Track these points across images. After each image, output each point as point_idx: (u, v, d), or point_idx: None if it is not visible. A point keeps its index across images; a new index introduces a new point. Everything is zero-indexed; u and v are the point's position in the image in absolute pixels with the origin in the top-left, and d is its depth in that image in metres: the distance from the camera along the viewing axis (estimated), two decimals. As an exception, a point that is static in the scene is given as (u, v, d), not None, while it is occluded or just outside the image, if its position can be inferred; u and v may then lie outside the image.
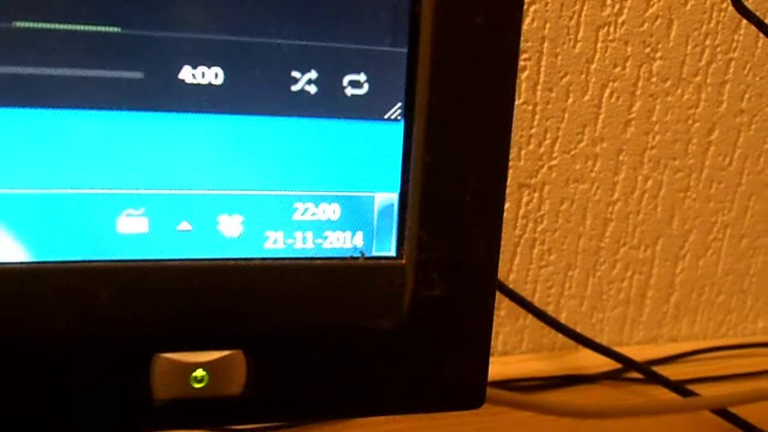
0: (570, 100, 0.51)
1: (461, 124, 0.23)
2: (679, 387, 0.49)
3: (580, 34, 0.49)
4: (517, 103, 0.49)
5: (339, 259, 0.24)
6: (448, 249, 0.24)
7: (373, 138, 0.23)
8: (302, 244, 0.24)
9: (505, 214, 0.50)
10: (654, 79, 0.52)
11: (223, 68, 0.22)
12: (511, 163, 0.49)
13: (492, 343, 0.53)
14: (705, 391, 0.50)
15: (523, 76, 0.49)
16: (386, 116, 0.23)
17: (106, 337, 0.23)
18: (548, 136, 0.51)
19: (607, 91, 0.51)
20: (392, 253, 0.24)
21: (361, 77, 0.23)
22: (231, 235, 0.23)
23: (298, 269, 0.23)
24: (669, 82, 0.52)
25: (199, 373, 0.23)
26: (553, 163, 0.52)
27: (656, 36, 0.51)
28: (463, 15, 0.23)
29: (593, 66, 0.50)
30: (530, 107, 0.50)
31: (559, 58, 0.49)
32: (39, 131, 0.21)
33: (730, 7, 0.51)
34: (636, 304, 0.58)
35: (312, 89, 0.23)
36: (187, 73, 0.22)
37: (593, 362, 0.53)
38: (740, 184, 0.57)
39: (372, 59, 0.23)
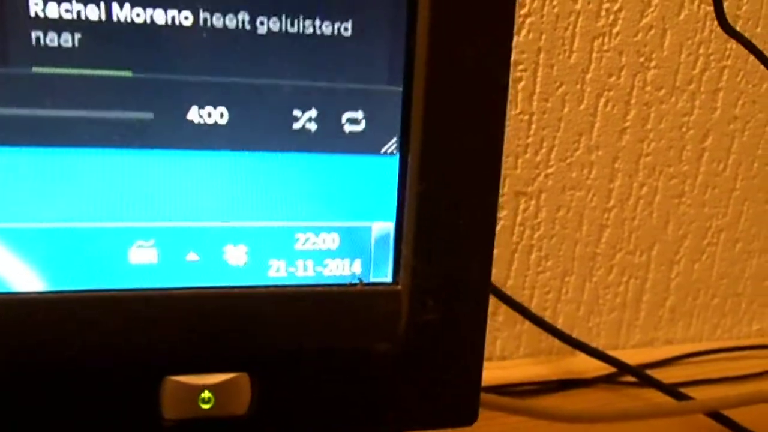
0: (566, 110, 0.52)
1: (453, 157, 0.25)
2: (673, 390, 0.51)
3: (575, 45, 0.51)
4: (513, 113, 0.51)
5: (338, 286, 0.26)
6: (441, 275, 0.26)
7: (370, 171, 0.25)
8: (304, 272, 0.25)
9: (502, 222, 0.52)
10: (648, 88, 0.53)
11: (228, 108, 0.23)
12: (508, 172, 0.51)
13: (490, 348, 0.55)
14: (700, 393, 0.51)
15: (519, 86, 0.51)
16: (382, 150, 0.25)
17: (120, 360, 0.24)
18: (545, 144, 0.52)
19: (603, 100, 0.53)
20: (389, 279, 0.26)
21: (359, 115, 0.24)
22: (236, 264, 0.25)
23: (299, 296, 0.25)
24: (663, 91, 0.54)
25: (206, 394, 0.25)
26: (550, 171, 0.53)
27: (650, 45, 0.52)
28: (455, 55, 0.24)
29: (588, 76, 0.52)
30: (527, 117, 0.51)
31: (555, 68, 0.51)
32: (56, 169, 0.23)
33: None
34: (632, 309, 0.59)
35: (312, 126, 0.24)
36: (194, 114, 0.23)
37: (589, 366, 0.54)
38: (734, 189, 0.58)
39: (369, 98, 0.24)
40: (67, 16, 0.22)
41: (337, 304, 0.25)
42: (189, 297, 0.24)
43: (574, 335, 0.53)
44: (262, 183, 0.24)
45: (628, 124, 0.54)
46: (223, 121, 0.23)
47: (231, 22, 0.23)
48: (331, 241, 0.25)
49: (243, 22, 0.23)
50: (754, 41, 0.52)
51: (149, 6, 0.22)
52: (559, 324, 0.56)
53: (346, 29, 0.24)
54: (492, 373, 0.54)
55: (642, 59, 0.53)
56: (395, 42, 0.24)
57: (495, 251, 0.51)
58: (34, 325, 0.23)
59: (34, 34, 0.22)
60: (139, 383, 0.25)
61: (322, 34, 0.23)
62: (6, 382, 0.24)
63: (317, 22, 0.23)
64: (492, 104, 0.25)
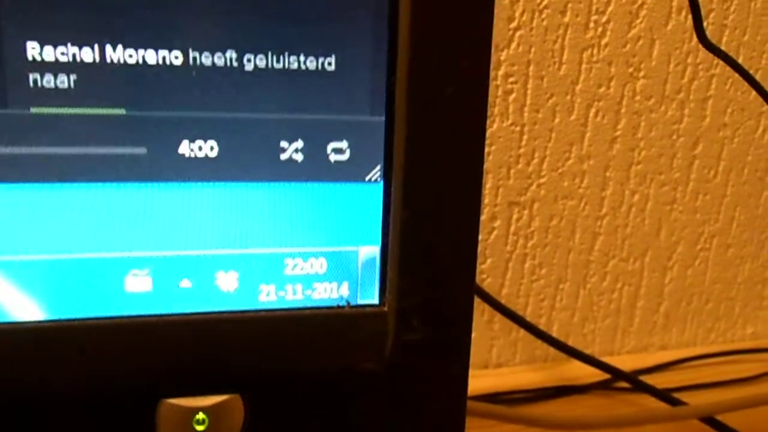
0: (557, 120, 0.53)
1: (435, 183, 0.26)
2: (667, 396, 0.52)
3: (565, 57, 0.52)
4: (505, 124, 0.52)
5: (327, 309, 0.27)
6: (426, 296, 0.27)
7: (355, 198, 0.26)
8: (293, 296, 0.27)
9: (496, 231, 0.53)
10: (638, 98, 0.55)
11: (218, 141, 0.25)
12: (500, 182, 0.52)
13: (486, 356, 0.57)
14: (696, 397, 0.53)
15: (510, 98, 0.52)
16: (367, 178, 0.26)
17: (117, 384, 0.26)
18: (536, 155, 0.54)
19: (593, 111, 0.54)
20: (375, 301, 0.27)
21: (344, 144, 0.26)
22: (227, 290, 0.26)
23: (289, 319, 0.26)
24: (653, 100, 0.55)
25: (201, 416, 0.26)
26: (542, 180, 0.54)
27: (639, 56, 0.54)
28: (435, 86, 0.25)
29: (578, 87, 0.53)
30: (518, 128, 0.53)
31: (545, 80, 0.52)
32: (53, 203, 0.24)
33: (710, 26, 0.54)
34: (626, 315, 0.61)
35: (299, 157, 0.25)
36: (185, 148, 0.25)
37: (584, 372, 0.55)
38: (725, 195, 0.60)
39: (353, 128, 0.26)
40: (62, 58, 0.23)
41: (325, 327, 0.27)
42: (183, 323, 0.26)
43: (569, 342, 0.55)
44: (251, 212, 0.26)
45: (618, 133, 0.55)
46: (214, 153, 0.25)
47: (219, 60, 0.24)
48: (319, 265, 0.27)
49: (231, 60, 0.24)
50: (741, 50, 0.54)
51: (141, 47, 0.24)
52: (554, 331, 0.58)
53: (329, 64, 0.25)
54: (488, 380, 0.56)
55: (631, 69, 0.54)
56: (377, 75, 0.25)
57: (489, 261, 0.53)
58: (34, 353, 0.25)
59: (31, 77, 0.23)
60: (136, 406, 0.26)
61: (306, 69, 0.25)
62: (7, 408, 0.25)
63: (302, 58, 0.25)
64: (471, 132, 0.26)
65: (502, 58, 0.50)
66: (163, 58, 0.24)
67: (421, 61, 0.25)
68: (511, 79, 0.51)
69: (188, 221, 0.25)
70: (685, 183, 0.58)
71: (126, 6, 0.23)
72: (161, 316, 0.25)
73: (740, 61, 0.56)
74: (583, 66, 0.53)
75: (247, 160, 0.25)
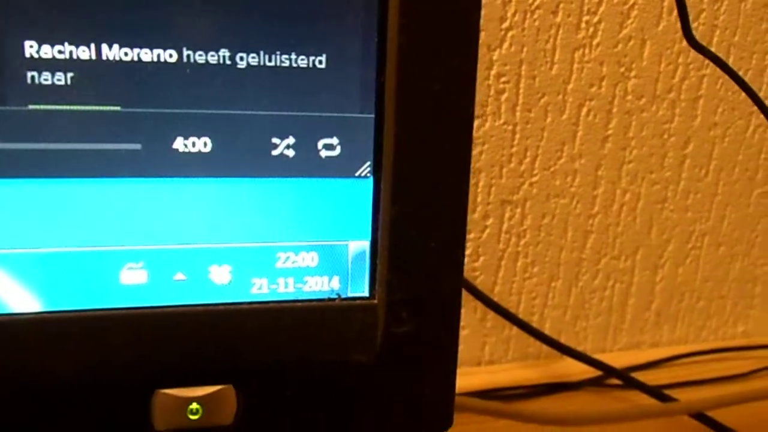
0: (548, 120, 0.54)
1: (424, 179, 0.27)
2: (658, 392, 0.53)
3: (557, 57, 0.53)
4: (497, 123, 0.53)
5: (318, 301, 0.28)
6: (415, 288, 0.28)
7: (345, 193, 0.27)
8: (285, 289, 0.28)
9: (489, 230, 0.54)
10: (629, 97, 0.56)
11: (211, 138, 0.26)
12: (493, 181, 0.53)
13: (479, 353, 0.57)
14: (687, 394, 0.54)
15: (502, 97, 0.53)
16: (357, 174, 0.27)
17: (112, 375, 0.26)
18: (528, 154, 0.54)
19: (584, 110, 0.55)
20: (366, 294, 0.28)
21: (334, 141, 0.27)
22: (221, 282, 0.27)
23: (281, 311, 0.27)
24: (644, 99, 0.56)
25: (194, 406, 0.27)
26: (534, 179, 0.55)
27: (630, 56, 0.55)
28: (423, 84, 0.26)
29: (570, 86, 0.54)
30: (510, 127, 0.53)
31: (537, 80, 0.53)
32: (51, 198, 0.25)
33: (701, 27, 0.55)
34: (618, 312, 0.62)
35: (290, 153, 0.26)
36: (179, 143, 0.25)
37: (576, 369, 0.56)
38: (716, 194, 0.61)
39: (343, 125, 0.26)
40: (60, 56, 0.24)
41: (316, 319, 0.27)
42: (177, 315, 0.26)
43: (562, 340, 0.56)
44: (244, 206, 0.26)
45: (610, 132, 0.56)
46: (207, 149, 0.26)
47: (213, 58, 0.25)
48: (310, 259, 0.28)
49: (224, 59, 0.25)
50: (732, 50, 0.55)
51: (136, 46, 0.24)
52: (547, 329, 0.58)
53: (320, 62, 0.26)
54: (481, 377, 0.56)
55: (622, 69, 0.55)
56: (367, 72, 0.26)
57: (481, 259, 0.54)
58: (30, 343, 0.25)
59: (29, 74, 0.24)
60: (131, 396, 0.27)
61: (298, 67, 0.26)
62: (5, 397, 0.26)
63: (293, 56, 0.25)
64: (459, 129, 0.27)
65: (495, 58, 0.51)
66: (158, 56, 0.25)
67: (409, 59, 0.26)
68: (503, 79, 0.52)
69: (183, 215, 0.26)
70: (676, 182, 0.59)
71: (122, 5, 0.24)
72: (156, 308, 0.26)
73: (731, 61, 0.57)
74: (575, 66, 0.54)
75: (239, 156, 0.26)
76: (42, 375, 0.26)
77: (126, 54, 0.24)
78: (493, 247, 0.56)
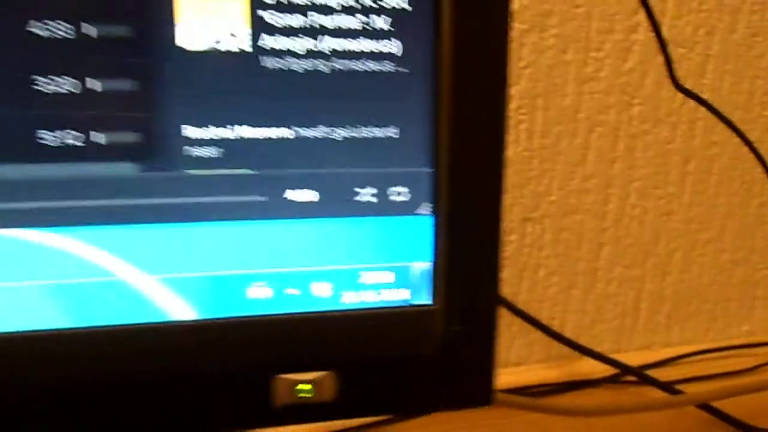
0: (563, 145, 0.66)
1: (469, 214, 0.40)
2: (668, 386, 0.63)
3: (568, 89, 0.65)
4: (518, 150, 0.65)
5: (393, 308, 0.41)
6: (465, 298, 0.41)
7: (412, 227, 0.40)
8: (368, 299, 0.41)
9: (512, 244, 0.68)
10: (634, 122, 0.68)
11: (317, 191, 0.39)
12: (515, 201, 0.66)
13: (505, 356, 0.71)
14: (696, 389, 0.63)
15: (521, 127, 0.65)
16: (420, 212, 0.40)
17: (244, 364, 0.40)
18: (546, 176, 0.67)
19: (594, 135, 0.67)
20: (429, 302, 0.41)
21: (403, 189, 0.40)
22: (321, 295, 0.40)
23: (366, 316, 0.40)
24: (647, 124, 0.68)
25: (306, 386, 0.40)
26: (552, 198, 0.68)
27: (634, 85, 0.67)
28: (466, 143, 0.39)
29: (581, 115, 0.66)
30: (528, 153, 0.66)
31: (551, 110, 0.65)
32: (200, 236, 0.38)
33: (697, 57, 0.67)
34: (632, 316, 0.73)
35: (373, 199, 0.39)
36: (292, 194, 0.39)
37: (595, 369, 0.66)
38: (717, 206, 0.73)
39: (410, 177, 0.40)
40: (207, 136, 0.37)
41: (392, 321, 0.41)
42: (291, 320, 0.39)
43: (581, 342, 0.66)
44: (338, 239, 0.40)
45: (618, 154, 0.68)
46: (315, 199, 0.39)
47: (317, 133, 0.38)
48: (387, 276, 0.41)
49: (324, 132, 0.38)
50: (725, 77, 0.68)
51: (263, 126, 0.37)
52: (567, 332, 0.69)
53: (396, 134, 0.39)
54: (508, 377, 0.67)
55: (627, 98, 0.67)
56: (427, 139, 0.39)
57: (507, 271, 0.67)
58: (186, 345, 0.39)
59: (185, 149, 0.37)
60: (257, 380, 0.40)
61: (378, 137, 0.39)
62: (168, 387, 0.39)
63: (374, 130, 0.39)
64: (494, 176, 0.40)
65: (513, 93, 0.64)
66: (277, 135, 0.38)
67: (456, 130, 0.39)
68: (521, 111, 0.64)
69: (293, 246, 0.39)
70: (680, 196, 0.71)
71: (253, 97, 0.37)
72: (276, 315, 0.39)
73: (725, 87, 0.69)
74: (585, 97, 0.66)
75: (335, 202, 0.39)
76: (195, 366, 0.39)
77: (257, 133, 0.37)
78: (517, 260, 0.68)
